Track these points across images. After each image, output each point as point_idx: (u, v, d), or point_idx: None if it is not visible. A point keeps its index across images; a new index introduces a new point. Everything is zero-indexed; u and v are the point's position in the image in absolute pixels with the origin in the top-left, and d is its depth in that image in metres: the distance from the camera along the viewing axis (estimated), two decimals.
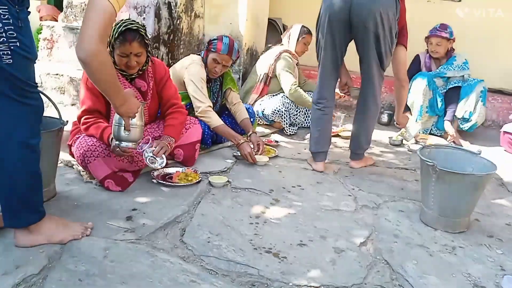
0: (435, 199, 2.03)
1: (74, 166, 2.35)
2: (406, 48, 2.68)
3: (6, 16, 1.35)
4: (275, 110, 3.38)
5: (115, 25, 2.17)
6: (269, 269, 1.64)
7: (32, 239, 1.61)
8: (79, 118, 2.22)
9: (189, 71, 2.76)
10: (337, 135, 3.51)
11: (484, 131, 3.99)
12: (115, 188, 2.15)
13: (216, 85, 2.98)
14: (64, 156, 2.38)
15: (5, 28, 1.35)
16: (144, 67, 2.31)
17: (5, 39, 1.35)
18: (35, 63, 1.50)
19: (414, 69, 3.84)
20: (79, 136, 2.24)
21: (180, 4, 3.69)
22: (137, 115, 1.93)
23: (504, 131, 3.43)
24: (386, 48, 2.51)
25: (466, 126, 3.57)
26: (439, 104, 3.67)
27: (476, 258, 1.82)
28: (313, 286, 1.57)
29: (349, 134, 3.49)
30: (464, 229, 2.05)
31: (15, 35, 1.37)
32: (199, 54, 2.89)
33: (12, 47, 1.37)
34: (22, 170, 1.52)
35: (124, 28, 2.14)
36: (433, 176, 1.99)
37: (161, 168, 2.32)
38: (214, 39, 2.81)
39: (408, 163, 2.98)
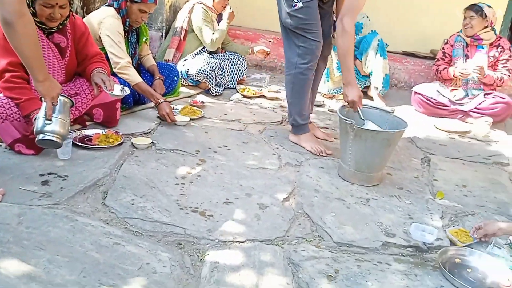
0: (352, 156, 2.15)
1: None
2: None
3: None
4: (200, 70, 3.31)
5: None
6: (195, 228, 1.65)
7: None
8: (2, 71, 1.98)
9: (105, 25, 2.60)
10: (262, 96, 3.54)
11: (397, 91, 4.26)
12: (27, 151, 2.01)
13: (133, 36, 2.85)
14: None
15: None
16: (65, 21, 2.14)
17: None
18: None
19: None
20: None
21: None
22: (63, 109, 1.84)
23: (415, 91, 3.68)
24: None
25: (375, 83, 3.73)
26: None
27: (387, 209, 1.99)
28: (238, 241, 1.61)
29: (274, 94, 3.56)
30: (378, 183, 2.21)
31: None
32: (111, 5, 2.70)
33: None
34: None
35: None
36: (350, 134, 2.10)
37: (126, 94, 2.34)
38: None
39: (329, 123, 3.10)
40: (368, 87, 3.86)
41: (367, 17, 3.85)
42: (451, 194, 2.19)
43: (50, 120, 1.81)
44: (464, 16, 3.43)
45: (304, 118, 2.57)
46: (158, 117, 2.71)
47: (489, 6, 3.38)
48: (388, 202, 2.05)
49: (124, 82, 2.60)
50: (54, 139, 1.83)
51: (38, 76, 1.66)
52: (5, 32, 1.47)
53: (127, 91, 2.34)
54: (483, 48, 3.47)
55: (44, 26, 2.08)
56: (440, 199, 2.13)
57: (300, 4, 2.31)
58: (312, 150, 2.50)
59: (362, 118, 2.25)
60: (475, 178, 2.44)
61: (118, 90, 2.28)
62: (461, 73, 3.39)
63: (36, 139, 1.86)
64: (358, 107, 2.29)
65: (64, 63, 2.22)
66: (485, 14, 3.34)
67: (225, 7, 3.61)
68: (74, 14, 2.28)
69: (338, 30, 2.28)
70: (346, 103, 2.36)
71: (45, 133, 1.82)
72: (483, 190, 2.29)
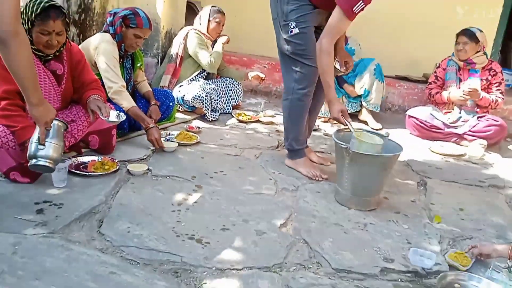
0: (348, 180, 2.15)
1: None
2: (344, 13, 2.17)
3: None
4: (195, 96, 3.33)
5: (33, 1, 2.01)
6: (192, 255, 1.63)
7: None
8: None
9: (100, 50, 2.63)
10: (258, 121, 3.56)
11: (391, 115, 4.30)
12: (22, 179, 2.00)
13: (128, 61, 2.89)
14: None
15: None
16: (61, 48, 2.17)
17: None
18: None
19: None
20: None
21: None
22: (57, 134, 1.84)
23: (409, 115, 3.71)
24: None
25: (368, 103, 3.78)
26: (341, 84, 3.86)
27: (385, 233, 1.98)
28: (236, 269, 1.60)
29: (269, 119, 3.59)
30: (375, 207, 2.21)
31: None
32: (107, 31, 2.74)
33: None
34: None
35: (47, 5, 2.00)
36: (346, 158, 2.11)
37: (122, 120, 2.35)
38: (130, 14, 2.69)
39: (324, 147, 3.12)
40: (359, 111, 3.90)
41: (359, 44, 3.93)
42: (448, 218, 2.19)
43: (43, 145, 1.81)
44: (457, 41, 3.49)
45: (300, 143, 2.58)
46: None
47: (481, 31, 3.46)
48: (385, 226, 2.04)
49: (119, 108, 2.61)
50: (47, 164, 1.83)
51: (32, 99, 1.65)
52: None
53: (123, 117, 2.36)
54: (476, 72, 3.53)
55: (41, 54, 2.10)
56: (438, 223, 2.13)
57: (296, 30, 2.35)
58: (308, 175, 2.50)
59: (353, 130, 2.23)
60: (471, 201, 2.44)
61: (113, 116, 2.30)
62: (466, 91, 3.35)
63: (29, 164, 1.85)
64: (346, 120, 2.29)
65: (60, 90, 2.23)
66: (478, 39, 3.41)
67: (219, 33, 3.68)
68: (70, 41, 2.31)
69: (317, 50, 2.28)
70: (342, 127, 2.37)
71: (38, 158, 1.82)
72: (480, 213, 2.29)
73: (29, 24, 2.01)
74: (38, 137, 1.81)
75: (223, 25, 3.66)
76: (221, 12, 3.61)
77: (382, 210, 2.20)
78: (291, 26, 2.34)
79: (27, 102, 1.68)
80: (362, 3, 2.14)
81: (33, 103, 1.66)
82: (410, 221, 2.13)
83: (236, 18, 4.62)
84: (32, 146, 1.82)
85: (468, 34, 3.43)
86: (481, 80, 3.48)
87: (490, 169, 3.04)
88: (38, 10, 1.99)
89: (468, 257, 1.77)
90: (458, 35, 3.50)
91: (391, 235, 1.97)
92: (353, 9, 2.14)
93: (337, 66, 2.58)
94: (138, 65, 2.98)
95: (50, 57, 2.15)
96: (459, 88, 3.51)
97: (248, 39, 4.73)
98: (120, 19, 2.70)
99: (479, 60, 3.48)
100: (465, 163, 3.13)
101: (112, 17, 2.74)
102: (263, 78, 3.82)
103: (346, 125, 2.29)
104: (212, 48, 3.66)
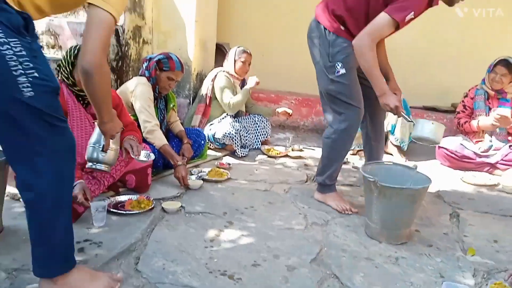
0: (377, 213, 2.17)
1: (21, 199, 2.29)
2: (394, 20, 2.18)
3: (19, 48, 1.30)
4: (225, 133, 3.45)
5: (73, 46, 2.22)
6: None
7: None
8: None
9: (136, 92, 2.81)
10: (286, 155, 3.62)
11: (421, 146, 4.24)
12: None
13: (162, 103, 3.05)
14: (10, 189, 2.30)
15: (20, 60, 1.29)
16: None
17: (22, 71, 1.29)
18: (58, 94, 1.43)
19: None
20: None
21: (128, 31, 3.71)
22: (115, 139, 2.01)
23: (438, 146, 3.69)
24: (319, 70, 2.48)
25: (394, 139, 3.77)
26: None
27: (417, 267, 1.96)
28: None
29: (297, 153, 3.65)
30: (406, 240, 2.20)
31: (31, 65, 1.31)
32: (143, 75, 2.93)
33: (31, 79, 1.31)
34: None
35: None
36: (375, 191, 2.13)
37: (151, 159, 2.49)
38: (164, 58, 2.89)
39: (353, 180, 3.13)
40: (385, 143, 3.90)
41: None
42: (482, 250, 2.15)
43: (106, 151, 1.99)
44: (495, 71, 3.43)
45: (333, 179, 2.62)
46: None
47: None
48: (417, 260, 2.03)
49: (153, 148, 2.75)
50: (105, 169, 2.04)
51: (104, 118, 1.76)
52: (82, 79, 1.54)
53: (152, 156, 2.49)
54: (507, 100, 3.49)
55: (82, 94, 2.25)
56: (472, 255, 2.10)
57: (343, 71, 2.38)
58: (337, 208, 2.53)
59: (410, 119, 2.30)
60: (506, 232, 2.39)
61: (143, 156, 2.43)
62: (497, 117, 3.31)
63: (88, 165, 2.04)
64: (401, 112, 2.30)
65: None
66: None
67: (246, 72, 3.81)
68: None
69: (357, 45, 2.27)
70: (369, 162, 2.40)
71: (98, 163, 2.02)
72: None
73: (70, 66, 2.18)
74: (98, 141, 1.98)
75: (249, 64, 3.81)
76: (247, 52, 3.76)
77: (413, 243, 2.19)
78: (338, 67, 2.38)
79: (99, 120, 1.78)
80: (412, 14, 2.17)
81: (104, 121, 1.77)
82: (443, 254, 2.10)
83: (263, 57, 4.79)
84: (92, 150, 2.00)
85: (509, 66, 3.37)
86: (511, 108, 3.45)
87: None
88: (75, 50, 2.19)
89: (508, 286, 1.74)
90: (496, 65, 3.43)
91: (423, 269, 1.95)
92: (405, 18, 2.17)
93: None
94: (171, 106, 3.14)
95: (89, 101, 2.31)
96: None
97: (275, 76, 4.87)
98: (155, 63, 2.89)
99: (511, 89, 3.45)
100: (499, 193, 3.07)
101: (147, 62, 2.94)
102: (290, 113, 3.91)
103: (403, 116, 2.31)
104: (241, 87, 3.80)
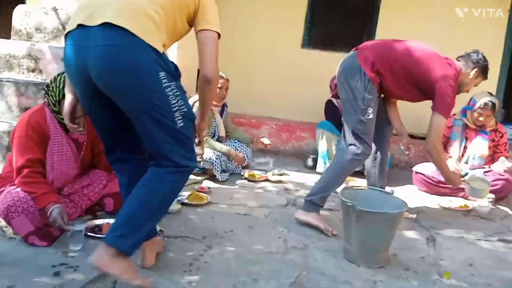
0: (356, 237, 2.19)
1: None
2: (443, 115, 2.69)
3: (176, 89, 1.68)
4: (206, 158, 3.46)
5: (57, 78, 2.20)
6: None
7: (112, 265, 1.68)
8: (21, 167, 2.12)
9: None
10: (267, 180, 3.65)
11: (398, 172, 4.36)
12: (40, 243, 2.07)
13: None
14: None
15: (177, 98, 1.68)
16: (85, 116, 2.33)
17: (178, 107, 1.68)
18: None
19: (331, 112, 4.16)
20: (4, 189, 2.16)
21: None
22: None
23: (415, 171, 3.78)
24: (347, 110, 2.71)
25: None
26: None
27: None
28: None
29: (278, 178, 3.68)
30: (384, 264, 2.22)
31: (182, 103, 1.70)
32: None
33: (183, 113, 1.70)
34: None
35: None
36: (353, 216, 2.16)
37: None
38: None
39: (332, 204, 3.16)
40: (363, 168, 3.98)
41: None
42: (458, 274, 2.19)
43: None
44: (479, 112, 3.48)
45: (323, 202, 2.71)
46: None
47: (497, 98, 3.58)
48: (395, 283, 2.05)
49: None
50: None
51: (205, 116, 1.98)
52: (202, 87, 1.85)
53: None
54: (486, 133, 3.59)
55: (63, 122, 2.24)
56: (447, 279, 2.13)
57: (371, 115, 2.65)
58: (322, 227, 2.58)
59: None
60: (481, 256, 2.44)
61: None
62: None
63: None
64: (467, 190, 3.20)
65: (80, 158, 2.37)
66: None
67: (224, 98, 3.83)
68: None
69: (434, 153, 2.78)
70: (349, 186, 2.45)
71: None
72: (489, 268, 2.29)
73: (60, 96, 2.15)
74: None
75: (226, 89, 3.82)
76: (223, 77, 3.76)
77: (391, 267, 2.22)
78: (369, 112, 2.63)
79: (200, 117, 1.96)
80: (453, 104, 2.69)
81: (204, 117, 1.98)
82: (420, 277, 2.13)
83: (244, 83, 4.87)
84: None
85: (492, 107, 3.47)
86: (489, 141, 3.56)
87: (499, 223, 3.05)
88: (63, 83, 2.16)
89: None
90: (483, 108, 3.45)
91: None
92: (450, 112, 2.75)
93: (401, 147, 3.07)
94: None
95: None
96: (465, 147, 3.58)
97: (256, 101, 4.95)
98: None
99: (490, 124, 3.58)
100: (474, 217, 3.14)
101: None
102: (266, 145, 3.94)
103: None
104: (220, 113, 3.82)
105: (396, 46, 2.71)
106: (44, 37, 3.70)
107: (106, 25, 1.59)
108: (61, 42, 3.69)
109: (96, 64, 1.61)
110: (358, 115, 2.63)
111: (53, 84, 2.21)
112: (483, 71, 2.82)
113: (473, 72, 2.79)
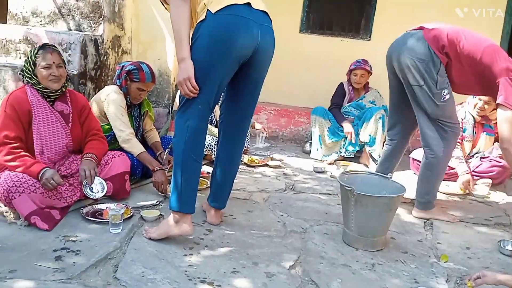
0: (354, 221, 2.21)
1: None
2: (508, 108, 2.41)
3: None
4: (205, 145, 3.45)
5: (31, 49, 2.38)
6: None
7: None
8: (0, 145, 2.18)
9: (108, 100, 2.79)
10: (265, 165, 3.66)
11: None
12: (41, 225, 2.09)
13: (136, 110, 3.02)
14: None
15: None
16: (65, 84, 2.38)
17: None
18: None
19: (338, 95, 4.15)
20: (2, 172, 2.18)
21: (107, 40, 3.71)
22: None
23: (412, 158, 3.80)
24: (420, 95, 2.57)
25: (372, 151, 3.86)
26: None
27: (393, 273, 2.01)
28: None
29: (277, 163, 3.69)
30: (382, 247, 2.25)
31: None
32: (115, 84, 2.91)
33: None
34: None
35: (41, 44, 2.35)
36: (351, 200, 2.18)
37: (102, 197, 2.43)
38: (134, 69, 2.82)
39: (331, 189, 3.19)
40: (359, 151, 4.00)
41: (378, 92, 4.08)
42: (455, 257, 2.22)
43: None
44: (479, 97, 3.43)
45: (435, 197, 2.77)
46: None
47: None
48: (393, 266, 2.08)
49: (131, 156, 2.74)
50: None
51: (182, 53, 1.93)
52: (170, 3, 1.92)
53: (102, 192, 2.41)
54: (491, 127, 3.58)
55: (47, 92, 2.30)
56: (445, 262, 2.16)
57: (448, 96, 2.54)
58: (449, 219, 2.72)
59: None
60: (478, 240, 2.47)
61: (95, 188, 2.39)
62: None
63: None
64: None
65: (69, 129, 2.40)
66: None
67: None
68: (73, 90, 2.56)
69: (506, 153, 2.47)
70: (347, 170, 2.46)
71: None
72: (486, 251, 2.32)
73: (32, 65, 2.26)
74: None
75: None
76: None
77: (389, 250, 2.24)
78: (444, 93, 2.53)
79: (177, 56, 1.97)
80: None
81: (183, 56, 1.93)
82: (417, 260, 2.16)
83: None
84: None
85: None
86: (494, 135, 3.54)
87: (495, 207, 3.08)
88: (35, 50, 2.29)
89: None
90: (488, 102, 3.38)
91: (398, 274, 2.00)
92: None
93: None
94: (144, 111, 3.07)
95: (56, 95, 2.35)
96: (476, 141, 3.58)
97: None
98: (125, 74, 2.85)
99: (494, 117, 3.55)
100: (471, 202, 3.17)
101: (120, 70, 2.90)
102: (257, 129, 4.09)
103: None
104: None
105: (465, 33, 2.54)
106: (41, 21, 3.66)
107: (264, 12, 2.04)
108: (57, 27, 3.66)
109: (269, 39, 2.08)
110: (435, 100, 2.53)
111: (25, 60, 2.32)
112: None
113: None
